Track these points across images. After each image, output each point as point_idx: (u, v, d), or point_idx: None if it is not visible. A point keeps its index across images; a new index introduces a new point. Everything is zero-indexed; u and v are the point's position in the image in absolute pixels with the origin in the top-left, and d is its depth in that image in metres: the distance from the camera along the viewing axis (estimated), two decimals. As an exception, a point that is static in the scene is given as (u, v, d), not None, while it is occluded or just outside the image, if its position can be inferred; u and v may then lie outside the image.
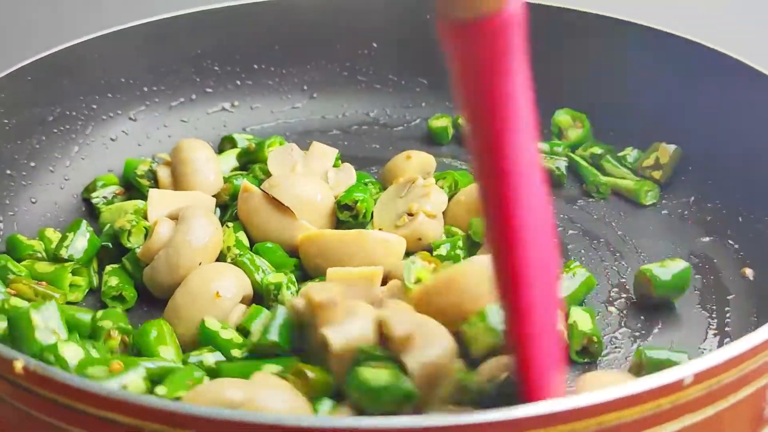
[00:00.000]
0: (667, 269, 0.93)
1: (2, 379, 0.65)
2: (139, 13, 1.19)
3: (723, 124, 1.08)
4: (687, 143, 1.12)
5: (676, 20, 1.17)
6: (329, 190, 1.02)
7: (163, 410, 0.60)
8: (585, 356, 0.89)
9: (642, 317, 0.93)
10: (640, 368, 0.84)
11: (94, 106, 1.15)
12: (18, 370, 0.63)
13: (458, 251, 0.97)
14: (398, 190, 1.03)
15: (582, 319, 0.90)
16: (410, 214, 0.98)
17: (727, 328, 0.92)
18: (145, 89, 1.20)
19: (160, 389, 0.76)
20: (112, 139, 1.17)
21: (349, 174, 1.08)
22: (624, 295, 0.96)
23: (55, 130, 1.12)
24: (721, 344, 0.90)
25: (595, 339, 0.88)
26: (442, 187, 1.05)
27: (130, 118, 1.19)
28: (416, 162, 1.12)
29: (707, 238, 1.04)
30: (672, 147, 1.11)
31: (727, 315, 0.93)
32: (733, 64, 1.06)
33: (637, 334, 0.92)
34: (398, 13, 1.27)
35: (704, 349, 0.90)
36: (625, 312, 0.94)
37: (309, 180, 1.02)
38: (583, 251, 1.03)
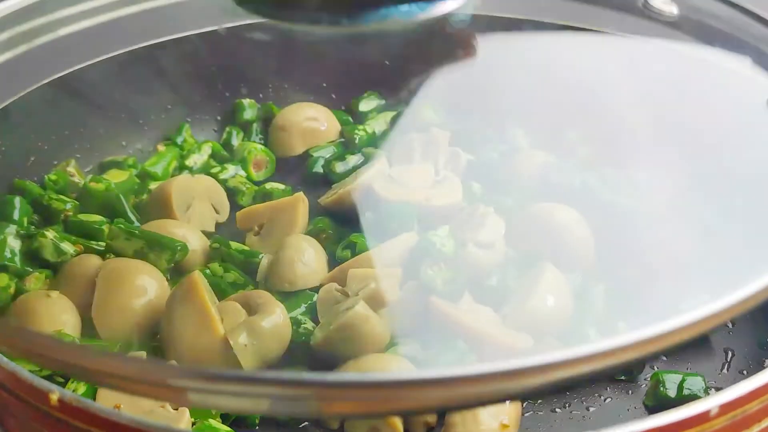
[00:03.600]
0: None
1: (37, 411, 0.66)
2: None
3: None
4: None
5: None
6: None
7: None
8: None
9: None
10: (657, 390, 0.85)
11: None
12: (53, 402, 0.64)
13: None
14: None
15: None
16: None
17: (734, 347, 0.93)
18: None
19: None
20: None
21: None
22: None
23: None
24: (729, 365, 0.91)
25: None
26: None
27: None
28: None
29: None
30: None
31: (732, 333, 0.94)
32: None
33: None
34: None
35: (717, 370, 0.91)
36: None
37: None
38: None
